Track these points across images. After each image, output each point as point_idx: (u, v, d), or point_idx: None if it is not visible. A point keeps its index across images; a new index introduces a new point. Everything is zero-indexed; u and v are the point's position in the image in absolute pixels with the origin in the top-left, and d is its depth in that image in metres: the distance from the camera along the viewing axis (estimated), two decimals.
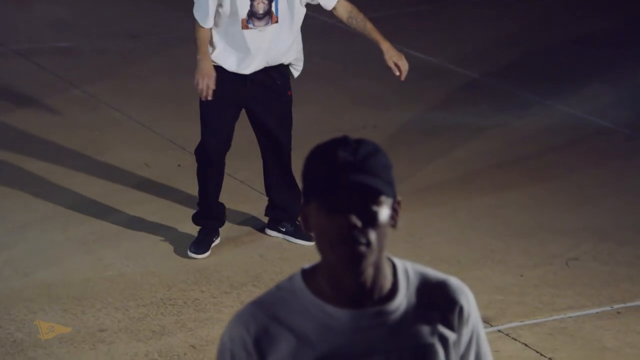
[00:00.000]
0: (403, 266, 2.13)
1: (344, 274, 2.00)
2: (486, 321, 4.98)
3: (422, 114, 7.59)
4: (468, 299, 2.12)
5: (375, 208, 1.98)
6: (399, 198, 2.06)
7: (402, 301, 2.04)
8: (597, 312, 5.12)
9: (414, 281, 2.09)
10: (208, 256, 5.62)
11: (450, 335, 2.07)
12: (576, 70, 8.37)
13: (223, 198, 5.76)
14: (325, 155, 2.00)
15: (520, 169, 6.77)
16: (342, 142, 2.03)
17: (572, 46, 8.89)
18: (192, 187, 5.99)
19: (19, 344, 4.74)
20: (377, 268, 2.04)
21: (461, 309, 2.09)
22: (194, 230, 5.76)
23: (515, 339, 4.86)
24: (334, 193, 1.96)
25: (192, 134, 7.44)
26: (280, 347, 1.98)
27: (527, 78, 8.24)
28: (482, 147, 7.06)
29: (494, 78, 8.29)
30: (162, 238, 5.84)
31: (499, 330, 4.94)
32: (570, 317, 5.08)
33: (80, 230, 5.92)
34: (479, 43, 9.03)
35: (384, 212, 1.99)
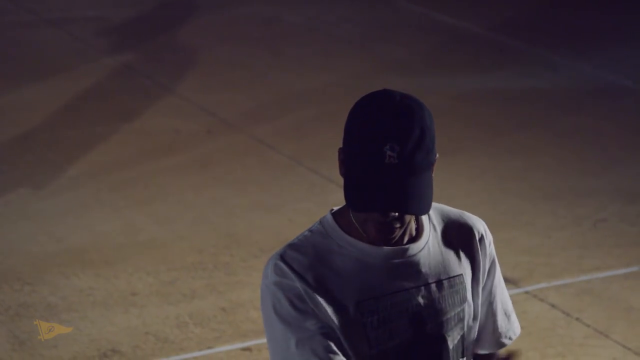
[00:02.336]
0: None
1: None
2: (513, 282, 5.01)
3: (449, 79, 7.59)
4: (485, 229, 2.21)
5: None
6: (437, 156, 2.10)
7: (427, 237, 2.12)
8: (624, 273, 5.14)
9: (434, 216, 2.16)
10: (237, 221, 5.68)
11: (474, 264, 2.16)
12: (605, 32, 8.34)
13: (255, 165, 5.81)
14: (372, 141, 1.99)
15: (548, 131, 6.77)
16: (390, 132, 2.00)
17: (600, 8, 8.84)
18: (221, 153, 6.05)
19: (53, 308, 4.83)
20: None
21: (481, 238, 2.19)
22: (223, 195, 5.82)
23: (543, 300, 4.90)
24: (374, 200, 1.98)
25: (222, 101, 7.47)
26: (325, 287, 2.02)
27: (555, 41, 8.21)
28: (509, 111, 7.07)
29: (522, 41, 8.27)
30: (192, 203, 5.91)
31: (526, 292, 4.97)
32: (597, 277, 5.10)
33: (112, 196, 5.99)
34: (506, 6, 9.00)
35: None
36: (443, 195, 5.98)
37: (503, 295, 2.26)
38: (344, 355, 2.02)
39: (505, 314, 2.26)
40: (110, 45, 8.27)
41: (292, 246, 2.08)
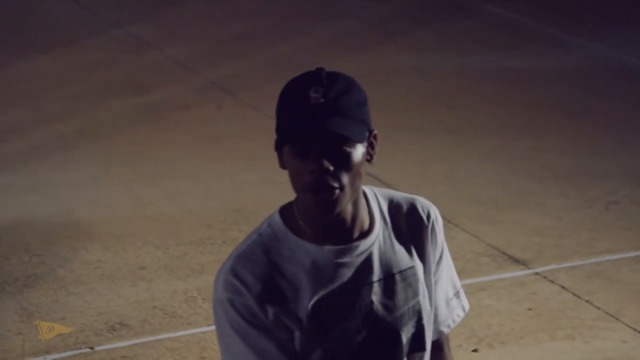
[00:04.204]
0: (372, 193, 2.11)
1: (320, 216, 2.00)
2: (524, 263, 4.99)
3: (462, 56, 7.55)
4: (436, 217, 2.14)
5: (347, 150, 1.93)
6: (375, 131, 2.02)
7: (378, 231, 2.05)
8: (635, 256, 5.12)
9: (385, 206, 2.09)
10: (246, 197, 5.66)
11: (425, 255, 2.10)
12: (621, 12, 8.28)
13: (264, 140, 5.78)
14: (297, 94, 1.95)
15: (559, 112, 6.73)
16: (314, 78, 1.96)
17: None
18: (231, 128, 6.03)
19: (61, 280, 4.82)
20: (355, 205, 2.02)
21: (432, 228, 2.12)
22: (232, 170, 5.80)
23: (553, 282, 4.88)
24: (303, 139, 1.93)
25: (232, 75, 7.44)
26: (278, 295, 1.97)
27: (570, 20, 8.16)
28: (521, 90, 7.03)
29: (536, 19, 8.22)
30: (202, 178, 5.89)
31: (537, 273, 4.95)
32: (608, 260, 5.08)
33: (121, 169, 5.98)
34: None
35: (356, 153, 1.95)
36: (452, 175, 5.98)
37: (447, 279, 2.18)
38: None
39: (446, 300, 2.19)
40: (121, 18, 8.24)
41: (242, 255, 2.00)
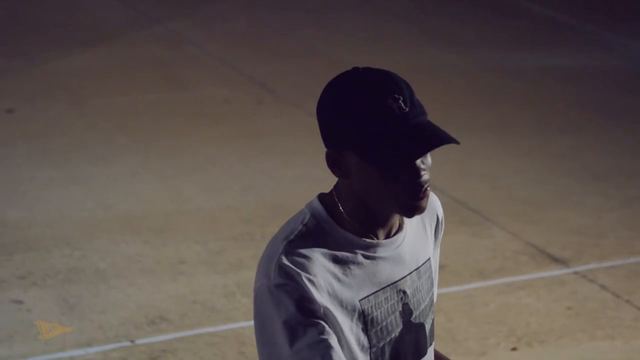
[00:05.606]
0: None
1: (382, 209, 1.99)
2: (563, 262, 4.98)
3: (501, 54, 7.53)
4: (441, 209, 2.18)
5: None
6: None
7: (406, 224, 2.08)
8: None
9: None
10: (285, 192, 5.68)
11: (435, 247, 2.16)
12: None
13: (303, 137, 5.79)
14: (374, 108, 1.90)
15: (599, 111, 6.70)
16: (384, 88, 1.92)
17: None
18: (270, 124, 6.04)
19: (102, 274, 4.86)
20: None
21: (439, 219, 2.16)
22: (271, 166, 5.82)
23: (592, 281, 4.86)
24: (393, 145, 1.90)
25: (272, 72, 7.46)
26: (328, 289, 1.95)
27: (611, 18, 8.11)
28: (561, 89, 7.00)
29: (577, 18, 8.18)
30: (241, 173, 5.92)
31: (576, 272, 4.93)
32: None
33: (160, 164, 6.02)
34: None
35: None
36: (491, 173, 5.97)
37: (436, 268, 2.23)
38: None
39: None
40: (162, 13, 8.29)
41: (292, 244, 1.96)
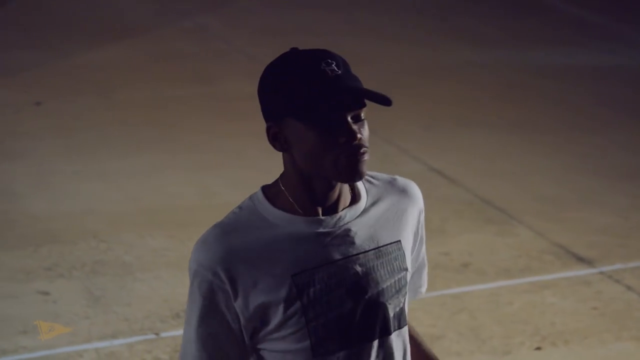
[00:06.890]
0: None
1: (322, 177, 2.03)
2: (588, 262, 4.96)
3: (527, 53, 7.51)
4: (419, 195, 2.19)
5: (363, 117, 2.03)
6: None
7: (363, 204, 2.09)
8: None
9: (372, 183, 2.14)
10: None
11: (411, 233, 2.15)
12: None
13: None
14: (309, 70, 1.99)
15: (626, 110, 6.67)
16: (317, 56, 2.01)
17: None
18: None
19: (128, 267, 4.88)
20: None
21: (421, 210, 2.17)
22: None
23: (618, 281, 4.84)
24: (329, 101, 1.97)
25: None
26: (255, 266, 2.00)
27: (637, 16, 8.08)
28: (589, 87, 6.97)
29: (603, 16, 8.15)
30: (266, 168, 5.92)
31: (601, 272, 4.92)
32: None
33: (187, 158, 6.03)
34: None
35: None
36: (516, 171, 5.95)
37: (424, 252, 2.25)
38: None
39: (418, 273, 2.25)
40: (189, 9, 8.31)
41: (219, 226, 2.02)
